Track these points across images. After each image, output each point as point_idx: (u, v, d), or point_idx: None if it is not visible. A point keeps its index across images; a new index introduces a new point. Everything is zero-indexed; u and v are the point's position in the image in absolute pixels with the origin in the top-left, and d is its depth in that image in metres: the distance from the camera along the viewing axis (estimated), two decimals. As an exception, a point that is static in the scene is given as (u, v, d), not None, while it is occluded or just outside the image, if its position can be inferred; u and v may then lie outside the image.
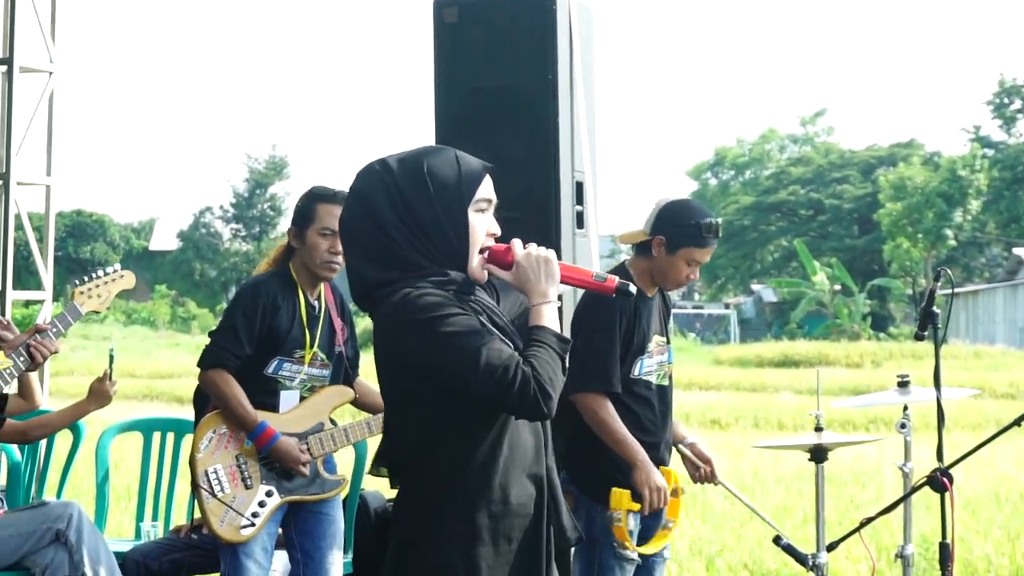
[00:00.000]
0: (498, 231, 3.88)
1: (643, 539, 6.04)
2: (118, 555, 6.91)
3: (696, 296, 77.51)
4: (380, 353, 3.79)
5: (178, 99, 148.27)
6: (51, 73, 11.15)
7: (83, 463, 8.22)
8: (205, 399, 6.32)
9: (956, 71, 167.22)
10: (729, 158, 79.29)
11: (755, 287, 72.71)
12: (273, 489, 6.23)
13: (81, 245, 70.48)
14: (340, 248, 6.15)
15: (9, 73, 10.87)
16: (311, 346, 6.29)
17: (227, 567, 6.22)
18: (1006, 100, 66.25)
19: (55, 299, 14.02)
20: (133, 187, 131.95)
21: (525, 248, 3.82)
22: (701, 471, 6.32)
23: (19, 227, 11.28)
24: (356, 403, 6.57)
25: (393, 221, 3.77)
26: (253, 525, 6.16)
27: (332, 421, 6.43)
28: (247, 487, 6.19)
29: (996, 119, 66.61)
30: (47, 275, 11.36)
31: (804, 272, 59.29)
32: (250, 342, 6.15)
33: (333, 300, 6.44)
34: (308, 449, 6.29)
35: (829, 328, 55.22)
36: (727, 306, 71.87)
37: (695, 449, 6.34)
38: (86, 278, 6.32)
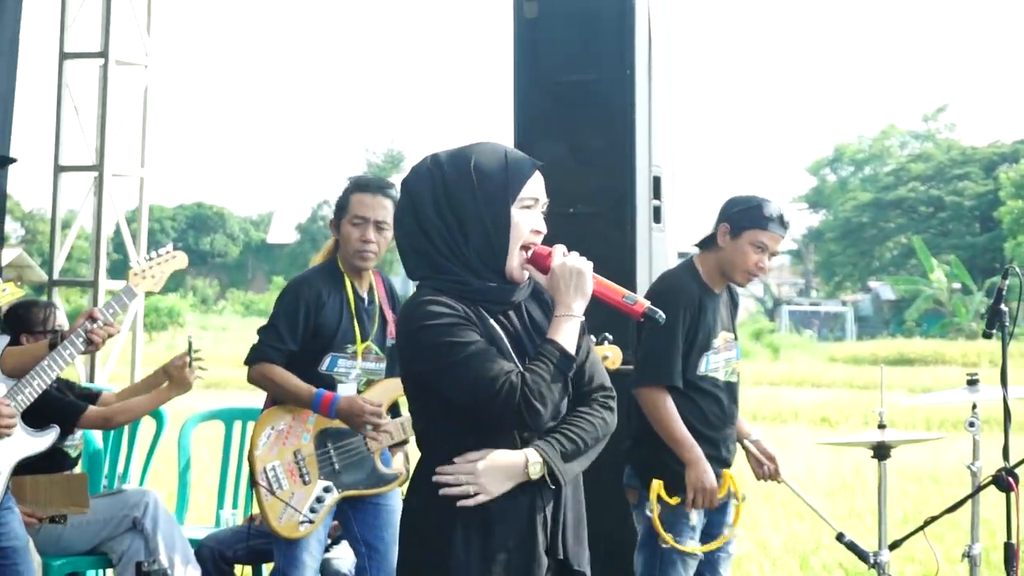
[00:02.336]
0: (543, 229, 3.86)
1: (708, 535, 6.03)
2: (194, 542, 7.02)
3: (813, 293, 76.93)
4: (396, 345, 3.89)
5: (296, 93, 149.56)
6: (146, 67, 11.30)
7: (165, 451, 8.30)
8: None
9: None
10: (848, 154, 78.55)
11: (873, 284, 71.97)
12: (331, 484, 6.26)
13: (201, 237, 71.36)
14: (372, 237, 6.22)
15: (105, 67, 11.03)
16: (363, 339, 6.30)
17: (281, 559, 6.27)
18: None
19: (171, 290, 14.20)
20: (253, 180, 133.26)
21: (565, 256, 3.82)
22: (765, 468, 6.30)
23: (132, 219, 11.47)
24: None
25: (434, 221, 3.80)
26: (311, 522, 6.20)
27: (396, 412, 6.45)
28: (305, 483, 6.23)
29: (1122, 115, 65.42)
30: (141, 267, 11.50)
31: (922, 270, 58.65)
32: (293, 338, 6.16)
33: (384, 292, 6.45)
34: (365, 445, 6.30)
35: (946, 327, 54.58)
36: (844, 303, 71.20)
37: (759, 446, 6.33)
38: (139, 260, 6.32)
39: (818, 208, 77.70)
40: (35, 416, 6.05)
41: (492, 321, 3.82)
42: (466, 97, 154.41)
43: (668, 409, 5.85)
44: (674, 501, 5.82)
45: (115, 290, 6.27)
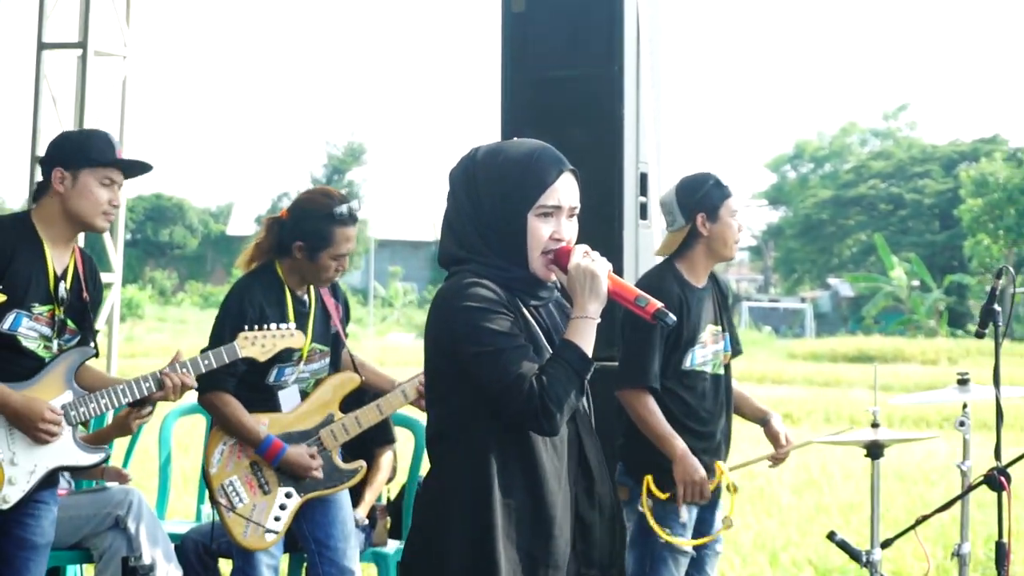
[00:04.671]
0: (564, 236, 3.86)
1: (699, 532, 6.04)
2: (176, 536, 6.99)
3: (772, 290, 77.15)
4: (426, 328, 3.87)
5: (257, 85, 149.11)
6: (125, 57, 11.25)
7: (147, 445, 8.26)
8: None
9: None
10: (809, 151, 78.79)
11: (832, 281, 72.26)
12: (292, 490, 6.27)
13: (160, 228, 70.99)
14: (346, 265, 6.26)
15: (83, 57, 10.97)
16: (307, 343, 6.27)
17: (239, 559, 6.30)
18: (1092, 96, 65.42)
19: (130, 282, 14.12)
20: (212, 172, 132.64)
21: (585, 256, 3.82)
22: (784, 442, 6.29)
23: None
24: (363, 385, 6.54)
25: (466, 208, 3.86)
26: (276, 532, 6.23)
27: (353, 404, 6.45)
28: (265, 492, 6.23)
29: (1082, 115, 65.80)
30: (117, 257, 11.46)
31: (882, 267, 58.85)
32: (244, 360, 6.09)
33: None
34: (320, 443, 6.30)
35: (905, 324, 54.81)
36: (803, 300, 71.46)
37: (770, 428, 6.30)
38: (257, 327, 6.04)
39: (778, 205, 77.93)
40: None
41: (527, 312, 3.85)
42: (431, 89, 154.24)
43: (649, 409, 5.88)
44: (664, 496, 5.84)
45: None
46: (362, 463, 6.48)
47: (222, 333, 6.10)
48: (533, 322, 3.87)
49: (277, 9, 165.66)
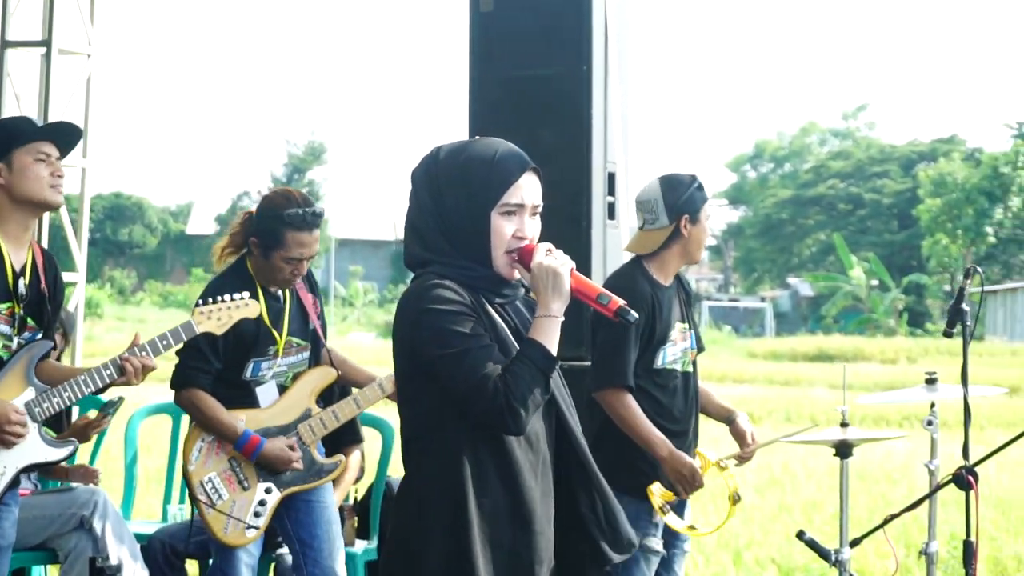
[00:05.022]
0: (527, 235, 3.86)
1: (667, 531, 6.02)
2: (144, 536, 6.97)
3: (732, 289, 77.33)
4: (393, 332, 3.86)
5: (217, 83, 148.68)
6: (89, 56, 11.18)
7: (112, 445, 8.23)
8: None
9: (1000, 67, 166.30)
10: (769, 151, 79.06)
11: (791, 281, 72.49)
12: (271, 485, 6.26)
13: (119, 227, 70.67)
14: (304, 269, 6.21)
15: (47, 56, 10.91)
16: (282, 337, 6.26)
17: (218, 557, 6.28)
18: (1049, 97, 65.72)
19: (89, 281, 14.04)
20: (171, 171, 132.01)
21: (547, 255, 3.81)
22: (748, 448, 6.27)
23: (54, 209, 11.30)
24: (340, 380, 6.54)
25: (429, 207, 3.84)
26: (257, 528, 6.22)
27: (328, 399, 6.46)
28: (245, 488, 6.22)
29: (1039, 116, 66.09)
30: (81, 256, 11.40)
31: (841, 267, 59.08)
32: (217, 356, 6.13)
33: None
34: (299, 438, 6.29)
35: (864, 323, 55.03)
36: (763, 299, 71.65)
37: (736, 426, 6.28)
38: (211, 299, 6.01)
39: (738, 204, 78.16)
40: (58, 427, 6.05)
41: (492, 310, 3.85)
42: (392, 89, 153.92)
43: (631, 408, 5.85)
44: (670, 497, 5.81)
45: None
46: (341, 457, 6.49)
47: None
48: (499, 320, 3.86)
49: (238, 8, 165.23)
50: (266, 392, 6.28)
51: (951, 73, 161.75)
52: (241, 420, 6.21)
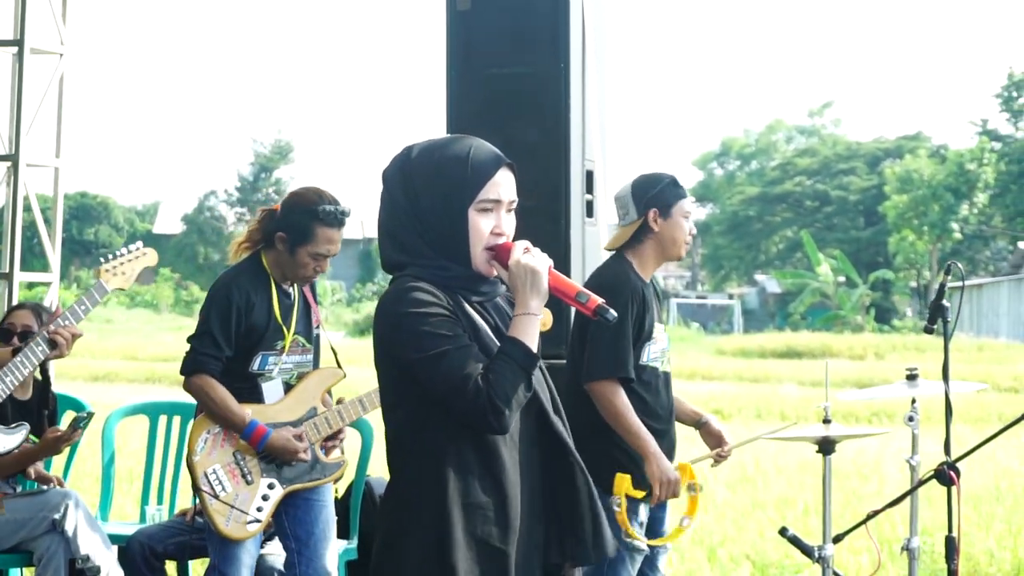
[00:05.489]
0: (504, 231, 3.86)
1: (651, 531, 6.03)
2: (122, 538, 6.97)
3: (700, 286, 77.47)
4: (373, 336, 3.86)
5: (184, 82, 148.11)
6: (61, 55, 11.13)
7: (89, 446, 8.21)
8: None
9: (964, 64, 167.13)
10: (735, 148, 79.16)
11: (759, 278, 72.67)
12: (275, 481, 6.24)
13: (85, 227, 70.46)
14: (326, 267, 6.28)
15: (19, 55, 10.85)
16: (290, 334, 6.28)
17: (218, 557, 6.23)
18: (1014, 93, 66.00)
19: (62, 281, 13.99)
20: (138, 170, 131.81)
21: (525, 253, 3.81)
22: (724, 448, 6.27)
23: (27, 208, 11.26)
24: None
25: (404, 208, 3.83)
26: (259, 521, 6.19)
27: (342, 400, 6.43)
28: (248, 483, 6.20)
29: (1004, 112, 66.33)
30: (55, 257, 11.35)
31: (809, 263, 59.24)
32: (228, 344, 6.14)
33: None
34: (304, 436, 6.28)
35: (832, 320, 55.17)
36: (731, 296, 71.81)
37: (710, 428, 6.29)
38: (110, 255, 6.26)
39: (705, 202, 78.21)
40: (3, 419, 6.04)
41: (471, 309, 3.84)
42: (358, 87, 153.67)
43: (623, 402, 5.82)
44: (641, 495, 5.80)
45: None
46: (345, 457, 6.50)
47: (209, 320, 6.14)
48: (478, 318, 3.85)
49: (204, 7, 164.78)
50: (272, 389, 6.28)
51: (916, 70, 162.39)
52: (247, 414, 6.20)
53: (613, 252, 6.16)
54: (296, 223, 6.22)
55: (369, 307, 57.88)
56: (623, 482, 5.73)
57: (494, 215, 3.83)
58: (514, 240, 3.87)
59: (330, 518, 6.44)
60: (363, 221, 70.97)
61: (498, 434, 3.73)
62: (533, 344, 3.75)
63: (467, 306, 3.84)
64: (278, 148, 74.88)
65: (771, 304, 69.57)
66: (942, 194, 59.26)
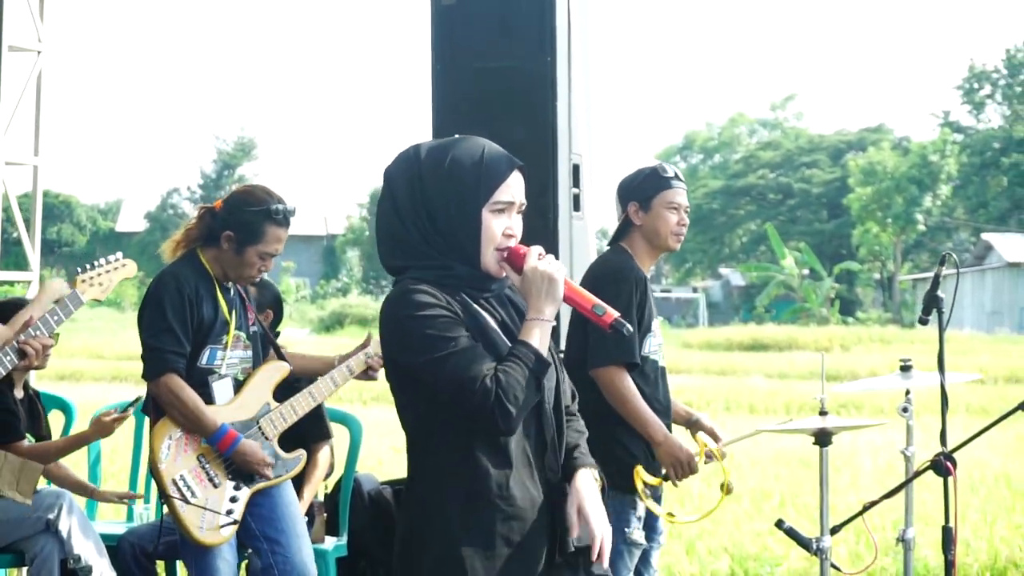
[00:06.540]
0: (516, 233, 3.87)
1: (647, 524, 6.00)
2: (112, 537, 6.92)
3: (664, 280, 77.62)
4: (380, 341, 3.86)
5: (146, 80, 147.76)
6: (39, 52, 11.05)
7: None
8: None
9: (925, 56, 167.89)
10: (698, 142, 79.42)
11: (723, 271, 72.87)
12: (240, 482, 6.16)
13: (48, 226, 70.12)
14: (271, 266, 6.21)
15: (-3, 52, 10.79)
16: (233, 328, 6.18)
17: (196, 568, 6.16)
18: (975, 85, 66.44)
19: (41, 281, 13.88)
20: (100, 168, 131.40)
21: (540, 259, 3.82)
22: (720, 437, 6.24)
23: (6, 207, 11.20)
24: (299, 373, 6.50)
25: (409, 209, 3.82)
26: (234, 523, 6.12)
27: (284, 394, 6.39)
28: (215, 486, 6.11)
29: (966, 104, 66.82)
30: (34, 256, 11.29)
31: (773, 256, 59.42)
32: (188, 338, 6.01)
33: None
34: (261, 432, 6.21)
35: (797, 312, 55.35)
36: (695, 290, 71.96)
37: (702, 425, 6.27)
38: (88, 266, 6.16)
39: (668, 195, 78.36)
40: None
41: (477, 307, 3.85)
42: (320, 83, 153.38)
43: (630, 388, 5.78)
44: (657, 481, 5.78)
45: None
46: (302, 452, 6.40)
47: (165, 316, 5.98)
48: (486, 315, 3.86)
49: (165, 4, 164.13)
50: (222, 388, 6.19)
51: (877, 63, 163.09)
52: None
53: (609, 246, 6.15)
54: (247, 222, 6.13)
55: (333, 303, 57.79)
56: (639, 475, 5.70)
57: (506, 216, 3.84)
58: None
59: (298, 514, 6.37)
60: (326, 218, 70.98)
61: (504, 434, 3.75)
62: (544, 350, 3.77)
63: (473, 304, 3.84)
64: (241, 145, 74.77)
65: (735, 297, 69.76)
66: (906, 186, 59.58)
